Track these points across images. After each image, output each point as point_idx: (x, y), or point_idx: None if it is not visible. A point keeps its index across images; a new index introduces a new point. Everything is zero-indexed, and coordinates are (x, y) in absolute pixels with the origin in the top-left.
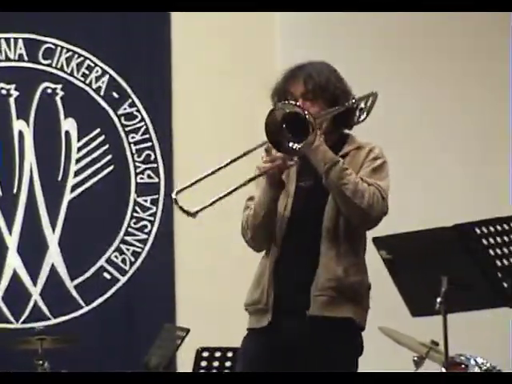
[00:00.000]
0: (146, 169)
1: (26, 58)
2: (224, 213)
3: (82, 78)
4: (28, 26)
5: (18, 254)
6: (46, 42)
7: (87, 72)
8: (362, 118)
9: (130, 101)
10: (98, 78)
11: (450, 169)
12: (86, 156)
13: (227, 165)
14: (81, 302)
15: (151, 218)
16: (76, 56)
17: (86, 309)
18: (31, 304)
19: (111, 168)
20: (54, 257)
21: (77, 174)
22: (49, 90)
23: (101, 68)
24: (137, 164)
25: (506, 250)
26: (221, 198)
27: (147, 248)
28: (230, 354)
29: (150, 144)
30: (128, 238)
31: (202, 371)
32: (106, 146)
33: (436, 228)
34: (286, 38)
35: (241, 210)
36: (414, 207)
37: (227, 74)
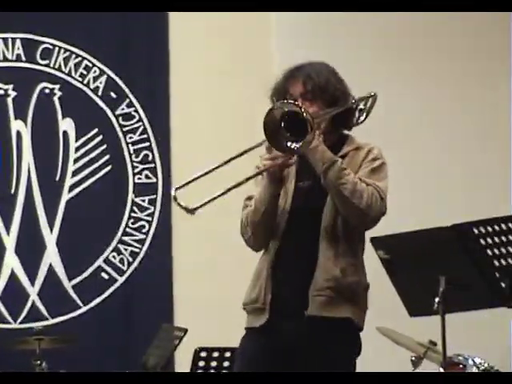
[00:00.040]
0: (143, 169)
1: (23, 58)
2: (222, 213)
3: (80, 78)
4: (26, 26)
5: (16, 254)
6: (44, 43)
7: (85, 72)
8: (362, 119)
9: (127, 101)
10: (95, 78)
11: (450, 169)
12: (83, 156)
13: (226, 163)
14: (79, 302)
15: (149, 218)
16: (74, 56)
17: (83, 309)
18: (29, 304)
19: (109, 168)
20: (51, 257)
21: (75, 174)
22: (47, 90)
23: (99, 68)
24: (135, 164)
25: (503, 250)
26: (220, 195)
27: (145, 248)
28: (227, 354)
29: (147, 144)
30: (126, 238)
31: (199, 371)
32: (104, 146)
33: (434, 228)
34: (284, 38)
35: (239, 210)
36: (413, 207)
37: (225, 73)
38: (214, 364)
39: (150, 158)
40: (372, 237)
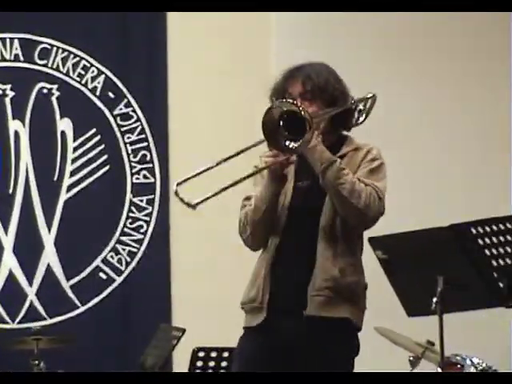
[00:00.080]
0: (141, 169)
1: (21, 58)
2: (220, 213)
3: (78, 78)
4: (24, 26)
5: (14, 254)
6: (42, 42)
7: (83, 72)
8: (361, 120)
9: (125, 101)
10: (93, 78)
11: (449, 169)
12: (81, 156)
13: (229, 159)
14: (77, 302)
15: (147, 218)
16: (72, 56)
17: (81, 309)
18: (27, 304)
19: (107, 168)
20: (49, 257)
21: (72, 174)
22: (44, 90)
23: (97, 68)
24: (132, 164)
25: (501, 250)
26: (222, 190)
27: (143, 248)
28: (225, 354)
29: (145, 144)
30: (124, 238)
31: (197, 371)
32: (102, 146)
33: (432, 228)
34: (284, 38)
35: (237, 210)
36: (411, 207)
37: (224, 73)
38: (212, 364)
39: (148, 158)
40: (370, 237)
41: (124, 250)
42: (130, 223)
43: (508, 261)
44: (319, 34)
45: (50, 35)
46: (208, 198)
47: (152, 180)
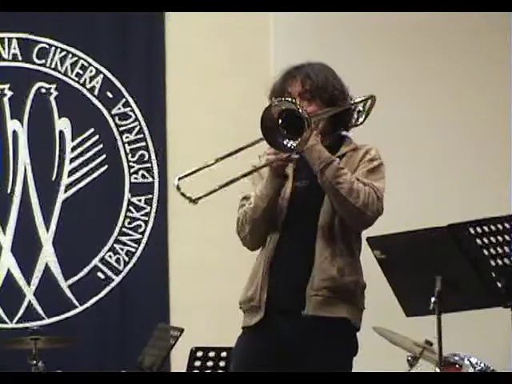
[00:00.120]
0: (139, 168)
1: (20, 57)
2: (218, 213)
3: (76, 78)
4: (22, 26)
5: (12, 253)
6: (40, 42)
7: (81, 72)
8: (360, 120)
9: (124, 100)
10: (92, 78)
11: (448, 169)
12: (79, 156)
13: (229, 155)
14: (75, 301)
15: (145, 218)
16: (70, 56)
17: (80, 308)
18: (25, 304)
19: (105, 168)
20: (48, 256)
21: (71, 173)
22: (43, 90)
23: (95, 68)
24: (131, 164)
25: (499, 250)
26: (224, 186)
27: (141, 248)
28: (223, 354)
29: (143, 144)
30: (122, 238)
31: (195, 371)
32: (100, 146)
33: (430, 228)
34: (282, 38)
35: (235, 210)
36: (410, 207)
37: (222, 73)
38: (209, 364)
39: (147, 157)
40: (368, 237)
41: (122, 249)
42: (129, 223)
43: (506, 260)
44: (318, 34)
45: (49, 35)
46: (209, 194)
47: (150, 180)
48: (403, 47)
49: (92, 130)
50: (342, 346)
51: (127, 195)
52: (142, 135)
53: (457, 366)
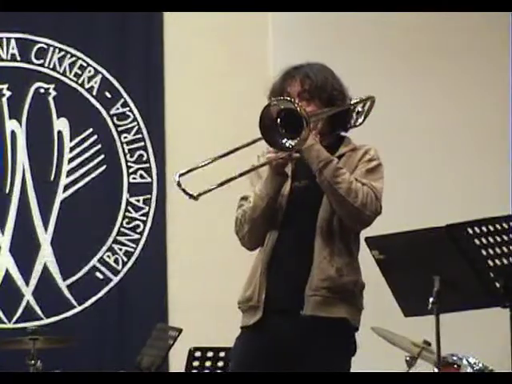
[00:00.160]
0: (138, 169)
1: (18, 57)
2: (217, 213)
3: (75, 78)
4: (20, 26)
5: (11, 253)
6: (39, 42)
7: (80, 72)
8: (360, 121)
9: (122, 100)
10: (90, 78)
11: (446, 168)
12: (78, 156)
13: (230, 152)
14: (73, 301)
15: (144, 218)
16: (68, 56)
17: (78, 308)
18: (23, 304)
19: (103, 168)
20: (46, 256)
21: (69, 173)
22: (41, 90)
23: (93, 68)
24: (129, 164)
25: (498, 250)
26: (222, 184)
27: (140, 248)
28: (222, 354)
29: (142, 144)
30: (120, 238)
31: (194, 371)
32: (99, 146)
33: (428, 228)
34: (281, 38)
35: (234, 210)
36: (408, 207)
37: (221, 73)
38: (208, 364)
39: (145, 157)
40: (366, 237)
41: (121, 249)
42: (127, 223)
43: (504, 261)
44: (317, 35)
45: (47, 35)
46: (210, 190)
47: (149, 180)
48: (403, 47)
49: (90, 130)
50: (341, 346)
51: (126, 195)
52: (140, 135)
53: (455, 366)
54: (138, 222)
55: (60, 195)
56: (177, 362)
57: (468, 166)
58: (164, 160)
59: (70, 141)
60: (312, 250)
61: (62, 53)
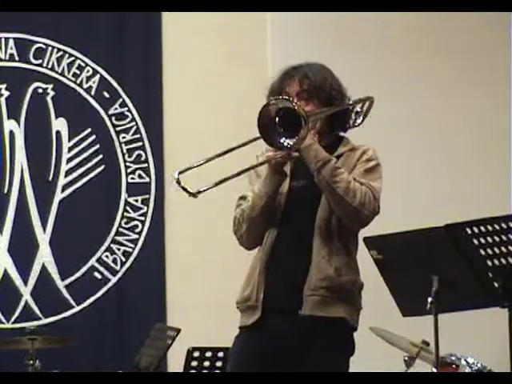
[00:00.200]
0: (136, 169)
1: (16, 57)
2: (215, 213)
3: (73, 78)
4: (19, 26)
5: (9, 253)
6: (37, 42)
7: (78, 72)
8: (358, 121)
9: (120, 100)
10: (88, 78)
11: (445, 168)
12: (76, 156)
13: (229, 151)
14: (72, 301)
15: (142, 218)
16: (67, 56)
17: (76, 308)
18: (22, 304)
19: (102, 168)
20: (44, 256)
21: (67, 173)
22: (40, 90)
23: (92, 68)
24: (128, 164)
25: (496, 250)
26: (221, 182)
27: (138, 248)
28: (220, 354)
29: (140, 144)
30: (119, 238)
31: (192, 371)
32: (97, 146)
33: (427, 228)
34: (280, 38)
35: (232, 210)
36: (406, 207)
37: (219, 73)
38: (206, 364)
39: (143, 157)
40: (365, 237)
41: (119, 249)
42: (125, 223)
43: (503, 261)
44: (316, 35)
45: (45, 35)
46: (209, 188)
47: (147, 180)
48: (402, 47)
49: (89, 130)
50: (339, 345)
51: (124, 195)
52: (138, 135)
53: (454, 366)
54: (136, 222)
55: (58, 195)
56: (175, 362)
57: (468, 166)
58: (162, 160)
59: (69, 141)
60: (310, 249)
61: (61, 53)
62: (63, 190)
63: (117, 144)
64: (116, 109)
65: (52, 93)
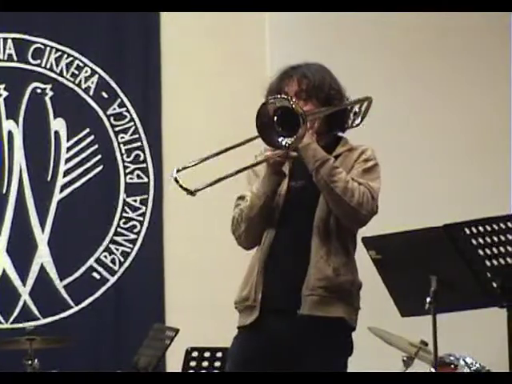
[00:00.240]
0: (135, 169)
1: (15, 57)
2: (214, 213)
3: (72, 78)
4: (17, 26)
5: (8, 253)
6: (36, 42)
7: (76, 72)
8: (357, 122)
9: (119, 101)
10: (87, 78)
11: (444, 168)
12: (75, 156)
13: (227, 150)
14: (70, 301)
15: (140, 218)
16: (65, 56)
17: (75, 309)
18: (20, 304)
19: (100, 168)
20: (43, 257)
21: (66, 173)
22: (38, 90)
23: (90, 68)
24: (126, 164)
25: (495, 250)
26: (219, 180)
27: (136, 248)
28: (219, 354)
29: (139, 144)
30: (117, 238)
31: (191, 371)
32: (96, 146)
33: (425, 228)
34: (278, 38)
35: (230, 210)
36: (405, 207)
37: (218, 73)
38: (205, 364)
39: (142, 157)
40: (363, 237)
41: (117, 249)
42: (124, 223)
43: (501, 261)
44: (315, 35)
45: (44, 35)
46: (207, 186)
47: (146, 180)
48: (402, 47)
49: (87, 130)
50: (338, 345)
51: (122, 195)
52: (137, 135)
53: (452, 366)
54: (134, 222)
55: (57, 195)
56: (174, 362)
57: (467, 166)
58: (161, 160)
59: (67, 141)
60: (309, 249)
61: (59, 53)
62: (62, 190)
63: (115, 144)
64: (114, 109)
65: (50, 93)
